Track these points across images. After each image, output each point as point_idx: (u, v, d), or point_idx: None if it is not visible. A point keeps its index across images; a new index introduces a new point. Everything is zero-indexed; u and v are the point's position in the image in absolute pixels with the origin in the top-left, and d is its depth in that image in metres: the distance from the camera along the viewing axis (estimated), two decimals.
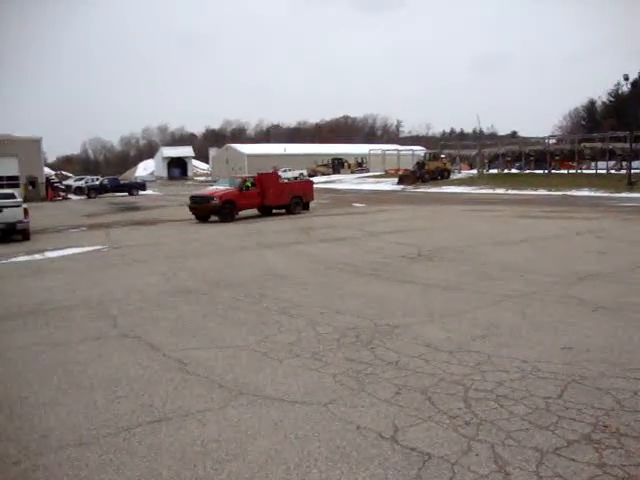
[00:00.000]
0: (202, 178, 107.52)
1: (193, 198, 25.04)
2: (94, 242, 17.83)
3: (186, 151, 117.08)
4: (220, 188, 25.71)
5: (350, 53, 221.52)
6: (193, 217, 24.53)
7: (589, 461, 3.80)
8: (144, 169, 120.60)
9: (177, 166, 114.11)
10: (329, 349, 6.42)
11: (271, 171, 34.38)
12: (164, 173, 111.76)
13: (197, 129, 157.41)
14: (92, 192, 49.26)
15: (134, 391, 5.32)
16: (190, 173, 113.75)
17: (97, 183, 51.97)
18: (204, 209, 24.19)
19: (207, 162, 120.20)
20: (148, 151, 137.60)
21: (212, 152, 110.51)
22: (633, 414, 4.49)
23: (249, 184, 25.40)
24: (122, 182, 56.79)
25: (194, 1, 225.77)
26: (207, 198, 24.50)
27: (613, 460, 3.81)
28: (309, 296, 9.25)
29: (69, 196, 49.62)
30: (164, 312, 8.41)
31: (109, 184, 51.74)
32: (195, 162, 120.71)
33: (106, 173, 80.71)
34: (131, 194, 50.67)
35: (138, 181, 61.90)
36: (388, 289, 9.63)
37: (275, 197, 26.07)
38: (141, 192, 51.94)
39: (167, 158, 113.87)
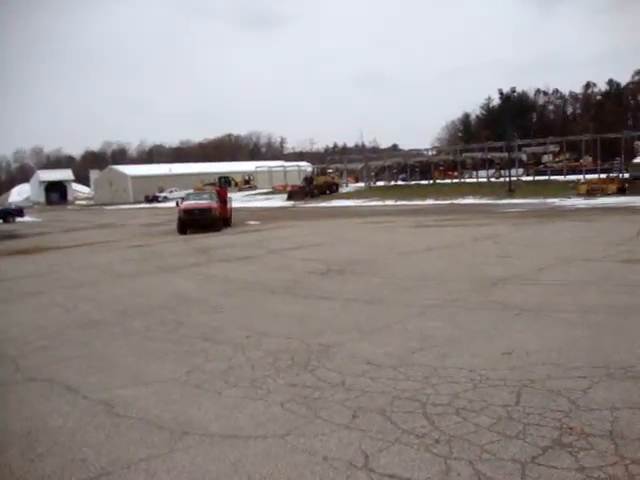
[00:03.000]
0: (84, 202, 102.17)
1: (190, 211, 26.00)
2: None
3: (65, 174, 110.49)
4: (202, 201, 27.06)
5: (232, 71, 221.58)
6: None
7: (569, 466, 3.72)
8: (18, 194, 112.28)
9: (56, 190, 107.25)
10: (267, 375, 6.01)
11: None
12: (41, 198, 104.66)
13: (75, 151, 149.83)
14: None
15: (58, 445, 4.60)
16: (70, 197, 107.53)
17: None
18: (205, 220, 25.72)
19: (88, 185, 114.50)
20: (21, 175, 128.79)
21: (93, 175, 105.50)
22: (590, 412, 4.52)
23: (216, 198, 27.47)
24: None
25: (73, 14, 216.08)
26: (207, 210, 25.97)
27: (590, 462, 3.76)
28: (228, 319, 8.77)
29: None
30: (74, 349, 7.57)
31: None
32: (75, 186, 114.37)
33: None
34: (6, 221, 46.83)
35: (13, 207, 57.35)
36: (308, 307, 9.35)
37: (228, 210, 28.42)
38: (18, 219, 48.19)
39: (44, 182, 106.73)
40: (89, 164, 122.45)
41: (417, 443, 4.19)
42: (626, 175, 38.23)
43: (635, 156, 41.63)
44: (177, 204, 27.79)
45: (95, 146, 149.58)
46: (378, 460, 3.98)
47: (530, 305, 8.24)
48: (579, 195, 35.25)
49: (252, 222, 30.68)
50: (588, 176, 41.68)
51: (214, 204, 26.43)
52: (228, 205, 28.63)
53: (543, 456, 3.88)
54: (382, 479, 3.73)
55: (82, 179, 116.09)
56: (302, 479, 3.81)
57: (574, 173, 45.67)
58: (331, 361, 6.34)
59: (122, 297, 11.29)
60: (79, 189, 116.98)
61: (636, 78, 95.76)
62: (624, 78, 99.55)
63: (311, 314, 8.78)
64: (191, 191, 33.79)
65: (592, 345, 6.31)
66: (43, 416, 5.26)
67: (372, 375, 5.77)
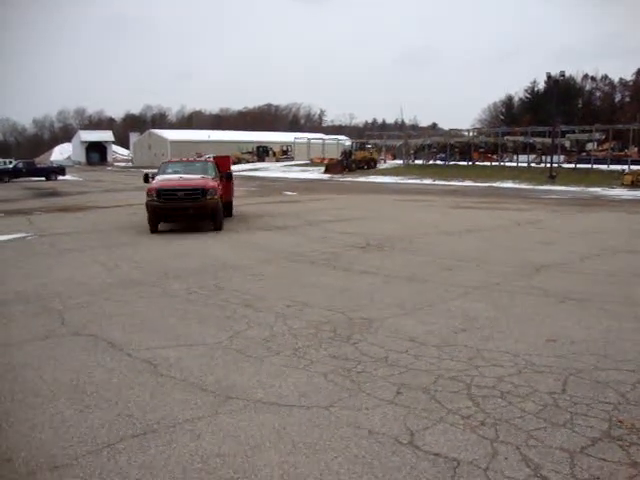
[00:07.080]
0: (122, 164, 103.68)
1: (169, 192, 15.04)
2: (15, 229, 16.46)
3: (106, 135, 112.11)
4: (192, 177, 16.12)
5: (276, 40, 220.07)
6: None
7: (620, 460, 3.64)
8: (60, 153, 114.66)
9: (96, 151, 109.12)
10: (309, 345, 6.03)
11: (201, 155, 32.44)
12: (82, 158, 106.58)
13: (116, 113, 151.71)
14: (5, 176, 46.13)
15: (105, 399, 4.70)
16: (110, 158, 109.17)
17: (10, 167, 48.74)
18: (197, 208, 15.00)
19: (127, 147, 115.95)
20: (64, 135, 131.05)
21: (133, 137, 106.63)
22: None
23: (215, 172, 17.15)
24: (39, 166, 53.53)
25: None
26: (199, 191, 15.04)
27: None
28: (268, 288, 8.80)
29: None
30: (116, 306, 7.71)
31: (24, 168, 48.65)
32: (115, 147, 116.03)
33: (18, 156, 75.95)
34: (49, 179, 47.83)
35: (55, 165, 58.51)
36: (349, 280, 9.32)
37: (231, 192, 18.88)
38: (60, 177, 49.16)
39: (85, 142, 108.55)
40: (129, 127, 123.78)
41: (462, 424, 4.15)
42: None
43: None
44: (146, 178, 16.74)
45: (136, 109, 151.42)
46: (424, 438, 3.96)
47: (574, 294, 8.06)
48: (623, 186, 34.24)
49: (289, 193, 30.74)
50: (633, 167, 40.40)
51: (210, 182, 15.69)
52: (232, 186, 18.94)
53: (593, 447, 3.80)
54: (428, 457, 3.70)
55: (122, 141, 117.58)
56: (348, 451, 3.80)
57: (618, 163, 44.24)
58: (374, 336, 6.31)
59: (162, 259, 11.43)
60: (118, 151, 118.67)
61: None
62: None
63: (352, 287, 8.75)
64: (180, 159, 19.94)
65: None
66: (89, 370, 5.37)
67: (415, 353, 5.73)
